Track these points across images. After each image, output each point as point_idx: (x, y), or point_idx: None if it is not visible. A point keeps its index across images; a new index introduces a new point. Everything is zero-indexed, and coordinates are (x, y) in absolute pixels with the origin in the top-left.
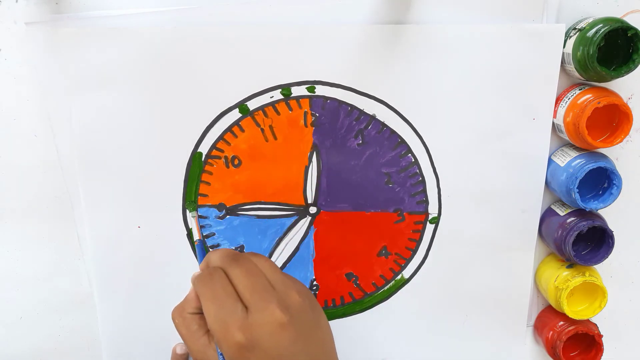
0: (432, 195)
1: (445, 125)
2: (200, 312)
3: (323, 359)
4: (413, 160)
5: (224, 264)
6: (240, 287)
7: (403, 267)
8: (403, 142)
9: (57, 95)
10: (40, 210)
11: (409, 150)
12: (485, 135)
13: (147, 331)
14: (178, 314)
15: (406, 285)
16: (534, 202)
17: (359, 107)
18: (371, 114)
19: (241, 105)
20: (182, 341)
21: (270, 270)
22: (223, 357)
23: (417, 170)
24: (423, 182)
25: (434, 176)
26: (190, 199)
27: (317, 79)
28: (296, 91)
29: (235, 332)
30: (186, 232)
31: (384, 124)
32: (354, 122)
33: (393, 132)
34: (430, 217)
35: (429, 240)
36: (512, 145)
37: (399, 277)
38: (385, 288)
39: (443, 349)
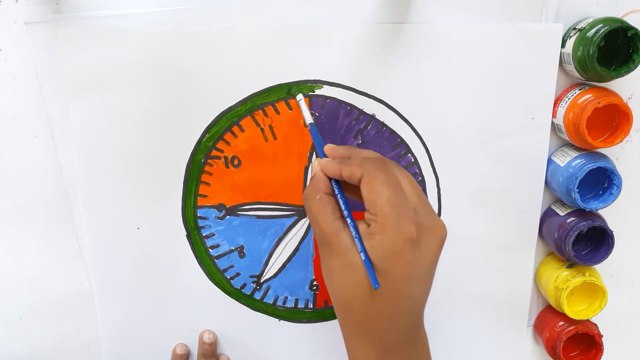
0: (431, 195)
1: (444, 125)
2: (331, 194)
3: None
4: (413, 160)
5: (390, 163)
6: (409, 189)
7: None
8: (403, 142)
9: (57, 95)
10: (39, 210)
11: (409, 150)
12: (484, 135)
13: (147, 332)
14: (313, 195)
15: None
16: (534, 202)
17: (358, 106)
18: (370, 113)
19: (241, 105)
20: (182, 342)
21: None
22: (363, 247)
23: (417, 170)
24: (423, 182)
25: (434, 176)
26: (297, 86)
27: (316, 79)
28: (296, 90)
29: (409, 224)
30: (186, 233)
31: (383, 124)
32: (354, 122)
33: (393, 132)
34: None
35: None
36: (511, 144)
37: None
38: None
39: (443, 349)
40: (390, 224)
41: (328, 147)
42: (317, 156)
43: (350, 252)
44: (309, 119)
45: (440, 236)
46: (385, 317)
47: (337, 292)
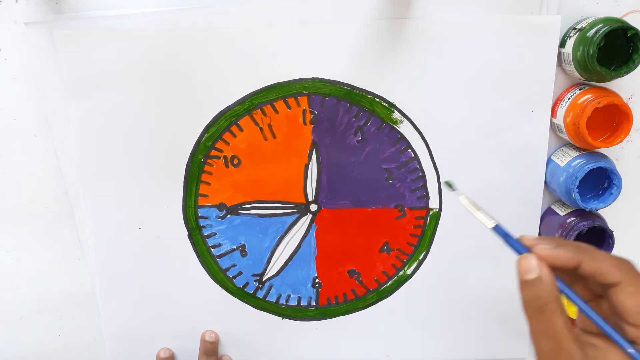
0: (432, 190)
1: (444, 120)
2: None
3: None
4: (413, 155)
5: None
6: None
7: (405, 263)
8: (403, 137)
9: (57, 95)
10: (40, 210)
11: (409, 146)
12: (484, 129)
13: (150, 331)
14: (548, 300)
15: (408, 281)
16: (535, 195)
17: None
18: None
19: (239, 104)
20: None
21: None
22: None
23: (417, 166)
24: (423, 177)
25: (434, 171)
26: (446, 182)
27: (315, 76)
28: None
29: None
30: (187, 233)
31: (383, 120)
32: (353, 119)
33: (392, 127)
34: (431, 212)
35: (430, 235)
36: (511, 138)
37: (401, 272)
38: (388, 284)
39: (445, 345)
40: None
41: (533, 240)
42: (511, 247)
43: None
44: (489, 222)
45: None
46: None
47: None
